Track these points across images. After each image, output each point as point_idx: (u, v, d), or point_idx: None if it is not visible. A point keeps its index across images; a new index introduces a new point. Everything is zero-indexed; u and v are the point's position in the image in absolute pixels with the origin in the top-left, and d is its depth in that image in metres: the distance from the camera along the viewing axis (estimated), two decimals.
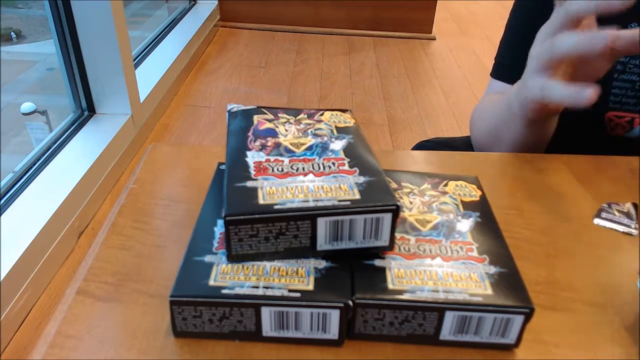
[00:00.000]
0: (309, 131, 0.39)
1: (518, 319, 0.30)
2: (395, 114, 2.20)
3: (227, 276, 0.31)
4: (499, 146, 0.59)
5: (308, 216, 0.30)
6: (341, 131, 0.39)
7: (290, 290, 0.30)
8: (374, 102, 2.28)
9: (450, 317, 0.30)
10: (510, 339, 0.30)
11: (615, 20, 0.43)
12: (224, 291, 0.30)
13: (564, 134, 0.56)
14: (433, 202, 0.37)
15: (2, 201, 1.31)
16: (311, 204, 0.31)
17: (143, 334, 0.31)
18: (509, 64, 0.68)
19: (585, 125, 0.58)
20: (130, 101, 1.73)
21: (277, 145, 0.37)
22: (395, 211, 0.31)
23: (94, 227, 1.48)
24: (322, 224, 0.31)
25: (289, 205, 0.30)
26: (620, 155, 0.53)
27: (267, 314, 0.30)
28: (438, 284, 0.30)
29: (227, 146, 0.37)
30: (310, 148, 0.36)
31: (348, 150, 0.36)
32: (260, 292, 0.30)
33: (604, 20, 0.45)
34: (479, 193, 0.39)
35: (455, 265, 0.32)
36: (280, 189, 0.32)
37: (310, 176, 0.33)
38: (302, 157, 0.35)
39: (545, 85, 0.45)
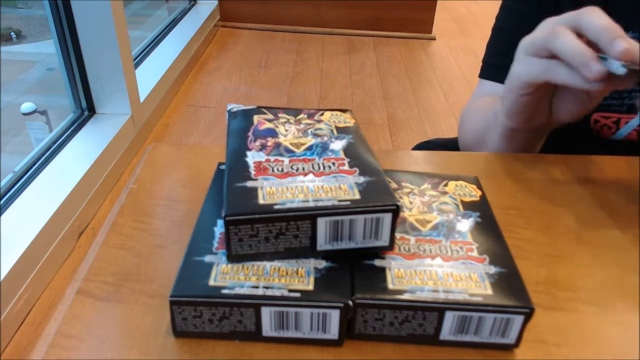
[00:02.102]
0: (309, 131, 0.39)
1: (518, 319, 0.30)
2: (395, 114, 2.20)
3: (227, 276, 0.31)
4: (482, 150, 0.59)
5: (308, 216, 0.30)
6: (341, 131, 0.39)
7: (290, 290, 0.30)
8: (374, 102, 2.28)
9: (450, 317, 0.30)
10: (511, 339, 0.30)
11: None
12: (224, 291, 0.30)
13: (549, 137, 0.56)
14: (433, 202, 0.37)
15: (2, 201, 1.31)
16: (311, 204, 0.31)
17: (143, 334, 0.31)
18: (496, 63, 0.68)
19: (571, 127, 0.58)
20: (130, 101, 1.73)
21: (277, 145, 0.37)
22: (395, 211, 0.31)
23: (94, 227, 1.48)
24: (322, 224, 0.31)
25: (289, 205, 0.30)
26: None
27: (267, 314, 0.30)
28: (438, 284, 0.30)
29: (227, 146, 0.37)
30: (310, 148, 0.36)
31: (348, 150, 0.36)
32: (260, 292, 0.30)
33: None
34: (479, 193, 0.39)
35: (455, 265, 0.32)
36: (280, 189, 0.32)
37: (310, 176, 0.33)
38: (302, 157, 0.35)
39: (546, 66, 0.43)
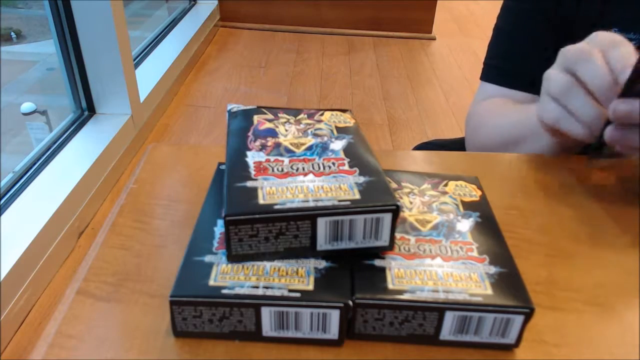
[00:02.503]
0: (309, 131, 0.39)
1: (518, 319, 0.30)
2: (395, 114, 2.20)
3: (227, 276, 0.31)
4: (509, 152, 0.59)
5: (308, 216, 0.30)
6: (341, 131, 0.39)
7: (290, 290, 0.30)
8: (374, 102, 2.28)
9: (450, 317, 0.30)
10: (511, 339, 0.30)
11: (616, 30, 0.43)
12: (224, 291, 0.30)
13: None
14: (433, 202, 0.37)
15: (2, 201, 1.31)
16: (311, 204, 0.31)
17: (143, 334, 0.31)
18: (498, 65, 0.68)
19: None
20: (130, 101, 1.73)
21: (277, 145, 0.37)
22: (395, 211, 0.31)
23: (94, 227, 1.48)
24: (322, 224, 0.31)
25: (289, 205, 0.30)
26: None
27: (267, 314, 0.30)
28: (438, 284, 0.30)
29: (227, 146, 0.37)
30: (310, 148, 0.36)
31: (348, 150, 0.36)
32: (260, 292, 0.30)
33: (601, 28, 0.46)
34: (479, 193, 0.39)
35: (455, 265, 0.32)
36: (280, 189, 0.32)
37: (310, 176, 0.33)
38: (302, 157, 0.35)
39: (560, 115, 0.45)
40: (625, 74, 0.39)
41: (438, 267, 0.32)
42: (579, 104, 0.43)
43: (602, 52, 0.42)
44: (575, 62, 0.43)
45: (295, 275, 0.31)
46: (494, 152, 0.56)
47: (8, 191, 1.35)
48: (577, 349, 0.32)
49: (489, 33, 0.71)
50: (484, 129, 0.67)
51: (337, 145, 0.37)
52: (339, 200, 0.31)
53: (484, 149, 0.66)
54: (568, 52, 0.44)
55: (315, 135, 0.38)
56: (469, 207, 0.37)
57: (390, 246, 0.32)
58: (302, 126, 0.39)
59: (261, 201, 0.31)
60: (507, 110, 0.64)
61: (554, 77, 0.45)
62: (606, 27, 0.44)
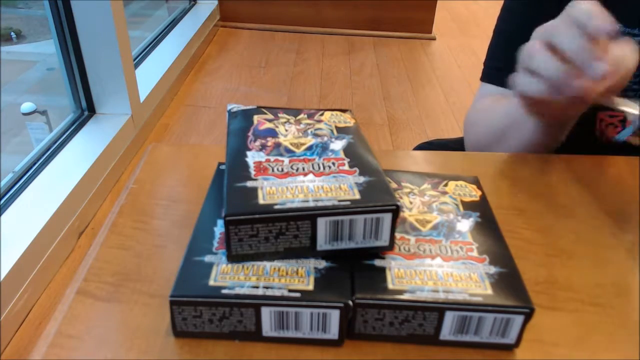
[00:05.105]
0: (309, 131, 0.39)
1: (518, 319, 0.30)
2: (395, 114, 2.20)
3: (227, 276, 0.31)
4: (501, 149, 0.59)
5: (308, 216, 0.30)
6: (341, 131, 0.39)
7: (290, 290, 0.30)
8: (374, 102, 2.28)
9: (450, 317, 0.30)
10: (510, 339, 0.30)
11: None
12: (224, 291, 0.30)
13: None
14: (433, 202, 0.37)
15: (2, 201, 1.31)
16: (311, 204, 0.31)
17: (143, 334, 0.31)
18: (498, 66, 0.68)
19: (575, 127, 0.58)
20: (130, 101, 1.73)
21: (277, 145, 0.37)
22: (395, 211, 0.31)
23: (94, 227, 1.47)
24: (322, 224, 0.31)
25: (289, 205, 0.30)
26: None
27: (267, 314, 0.30)
28: (438, 284, 0.30)
29: (227, 146, 0.37)
30: (310, 148, 0.36)
31: (348, 150, 0.36)
32: (260, 292, 0.30)
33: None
34: (479, 193, 0.39)
35: (455, 265, 0.32)
36: (280, 189, 0.32)
37: (310, 176, 0.33)
38: (302, 157, 0.35)
39: (522, 81, 0.45)
40: (604, 29, 0.39)
41: (438, 267, 0.32)
42: (539, 62, 0.42)
43: (576, 23, 0.41)
44: (549, 34, 0.43)
45: (295, 275, 0.31)
46: (493, 152, 0.56)
47: (8, 191, 1.35)
48: (577, 349, 0.32)
49: (489, 33, 0.71)
50: (476, 127, 0.67)
51: (337, 145, 0.37)
52: (339, 200, 0.31)
53: (477, 145, 0.67)
54: (540, 28, 0.44)
55: (315, 135, 0.38)
56: (469, 207, 0.37)
57: (390, 246, 0.32)
58: (302, 126, 0.39)
59: (261, 201, 0.31)
60: (497, 105, 0.64)
61: (523, 49, 0.45)
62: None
